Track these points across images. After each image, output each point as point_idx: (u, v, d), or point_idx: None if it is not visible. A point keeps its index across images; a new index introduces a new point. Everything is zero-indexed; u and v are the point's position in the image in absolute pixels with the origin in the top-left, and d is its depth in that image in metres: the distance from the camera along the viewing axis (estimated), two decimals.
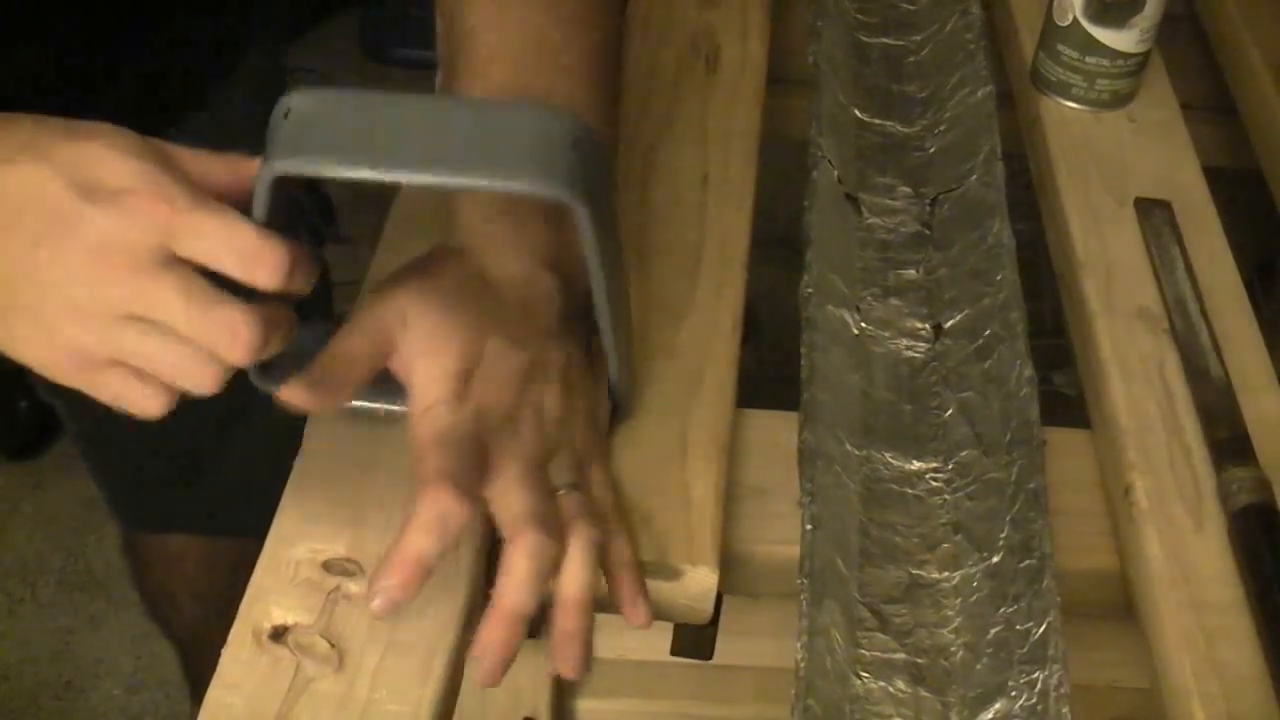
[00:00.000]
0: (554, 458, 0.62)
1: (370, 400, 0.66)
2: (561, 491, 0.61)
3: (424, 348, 0.59)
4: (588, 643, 0.60)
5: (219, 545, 1.12)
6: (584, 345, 0.66)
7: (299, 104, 0.54)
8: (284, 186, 0.54)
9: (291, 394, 0.58)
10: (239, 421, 0.97)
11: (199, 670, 1.31)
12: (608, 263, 0.58)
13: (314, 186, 0.92)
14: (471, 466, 0.57)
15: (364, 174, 0.53)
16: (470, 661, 0.58)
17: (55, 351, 0.53)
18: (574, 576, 0.59)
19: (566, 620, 0.59)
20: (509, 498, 0.58)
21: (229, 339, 0.52)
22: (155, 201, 0.52)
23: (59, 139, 0.53)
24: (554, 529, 0.58)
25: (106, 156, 0.52)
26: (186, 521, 1.10)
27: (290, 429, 0.66)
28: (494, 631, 0.57)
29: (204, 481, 1.04)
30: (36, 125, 0.54)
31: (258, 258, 0.52)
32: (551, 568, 0.58)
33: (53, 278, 0.52)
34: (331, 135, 0.53)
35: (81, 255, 0.51)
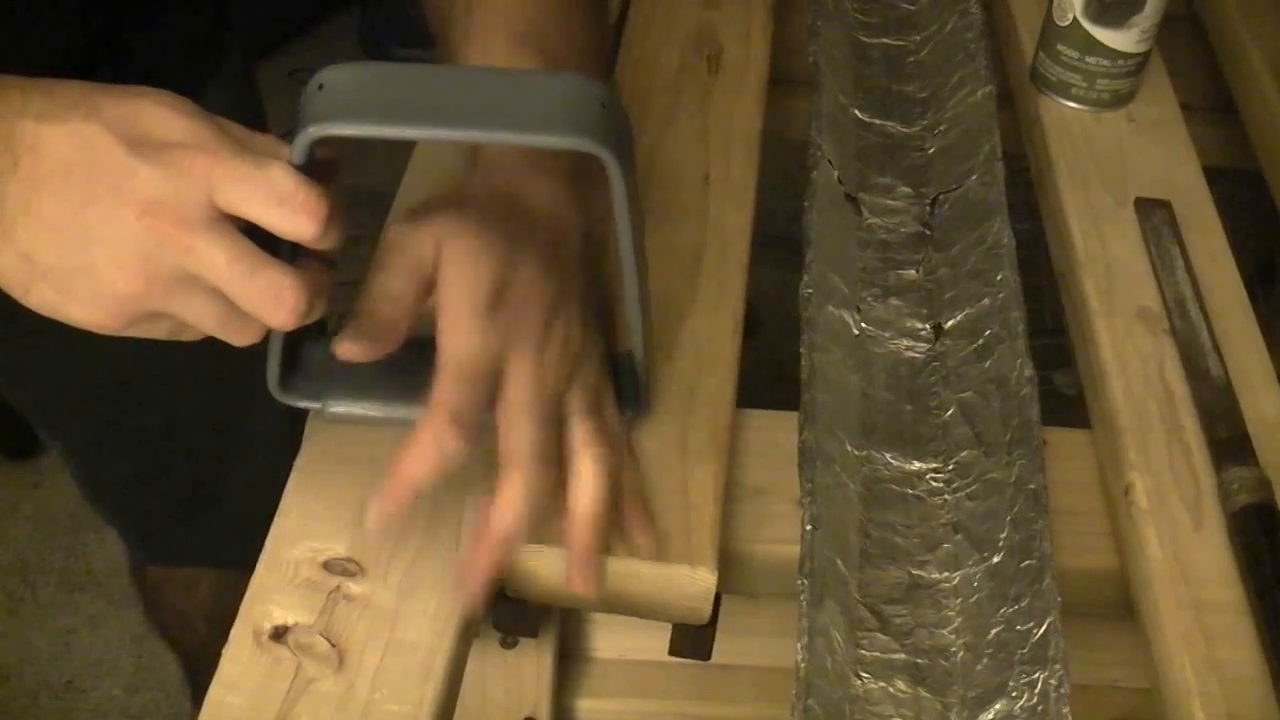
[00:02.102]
0: (570, 388, 0.62)
1: (366, 407, 0.65)
2: (576, 418, 0.62)
3: (457, 267, 0.59)
4: (602, 561, 0.61)
5: (233, 573, 1.11)
6: (599, 295, 0.67)
7: (331, 76, 0.55)
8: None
9: (348, 349, 0.59)
10: (237, 452, 0.97)
11: (202, 676, 1.31)
12: (634, 220, 0.59)
13: None
14: (481, 401, 0.58)
15: (402, 131, 0.55)
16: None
17: (104, 307, 0.54)
18: (587, 490, 0.60)
19: (582, 535, 0.61)
20: (517, 429, 0.59)
21: (274, 302, 0.53)
22: (201, 154, 0.52)
23: (107, 98, 0.53)
24: (553, 463, 0.60)
25: (155, 112, 0.53)
26: (197, 554, 1.09)
27: (291, 454, 0.67)
28: (480, 553, 0.58)
29: (209, 514, 1.03)
30: (84, 86, 0.54)
31: (297, 204, 0.52)
32: (546, 500, 0.59)
33: (103, 234, 0.52)
34: (367, 99, 0.54)
35: (131, 211, 0.52)
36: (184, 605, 1.19)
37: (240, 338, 0.55)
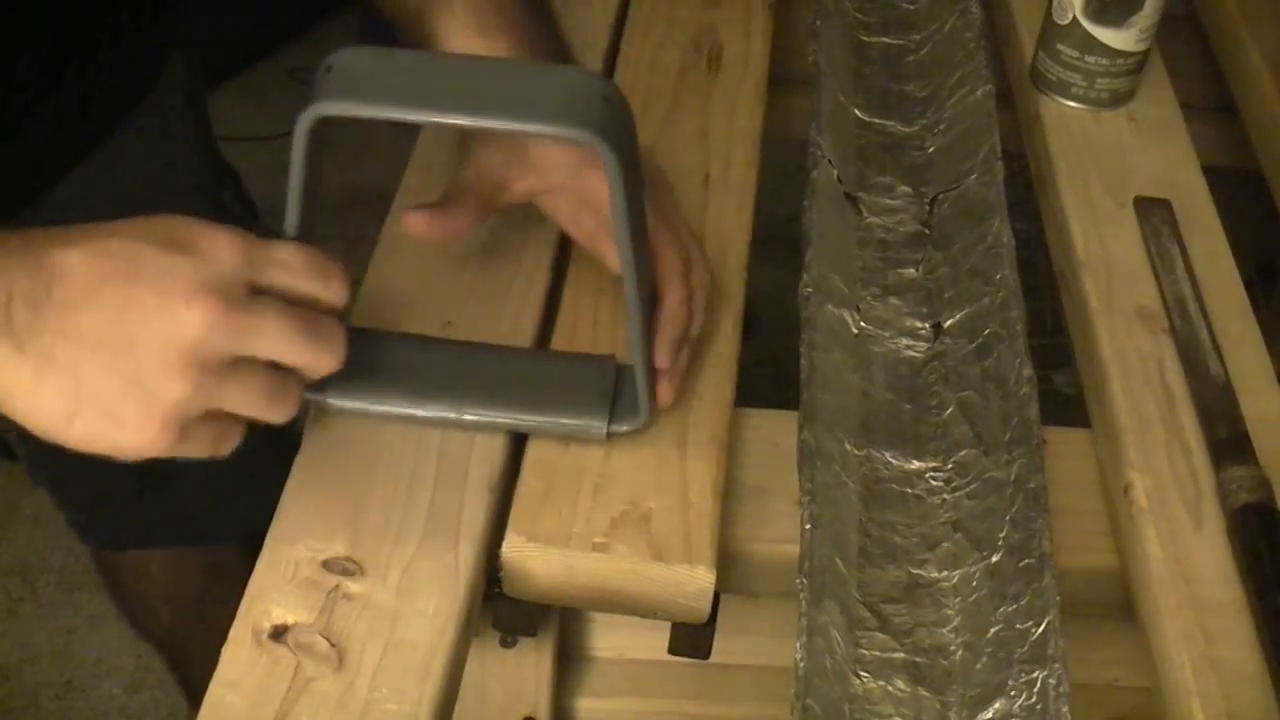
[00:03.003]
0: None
1: (366, 401, 0.66)
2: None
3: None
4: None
5: (186, 551, 1.12)
6: None
7: (340, 59, 0.56)
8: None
9: (415, 221, 0.67)
10: None
11: (184, 672, 1.31)
12: (632, 211, 0.59)
13: (243, 196, 0.93)
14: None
15: (404, 114, 0.55)
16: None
17: (155, 417, 0.53)
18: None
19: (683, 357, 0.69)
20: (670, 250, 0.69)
21: (330, 346, 0.56)
22: (232, 239, 0.54)
23: (118, 222, 0.54)
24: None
25: (169, 221, 0.54)
26: (150, 536, 1.09)
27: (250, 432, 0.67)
28: (665, 357, 0.67)
29: (164, 495, 1.02)
30: (92, 223, 0.55)
31: (330, 273, 0.56)
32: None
33: (148, 334, 0.52)
34: (374, 82, 0.55)
35: (179, 301, 0.52)
36: (140, 589, 1.19)
37: (283, 412, 0.56)
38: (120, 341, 0.52)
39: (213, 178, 0.93)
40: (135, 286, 0.52)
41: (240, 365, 0.54)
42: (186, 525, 0.93)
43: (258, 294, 0.54)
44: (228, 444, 0.56)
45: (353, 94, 0.55)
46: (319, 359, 0.56)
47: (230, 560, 0.67)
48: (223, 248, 0.53)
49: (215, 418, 0.55)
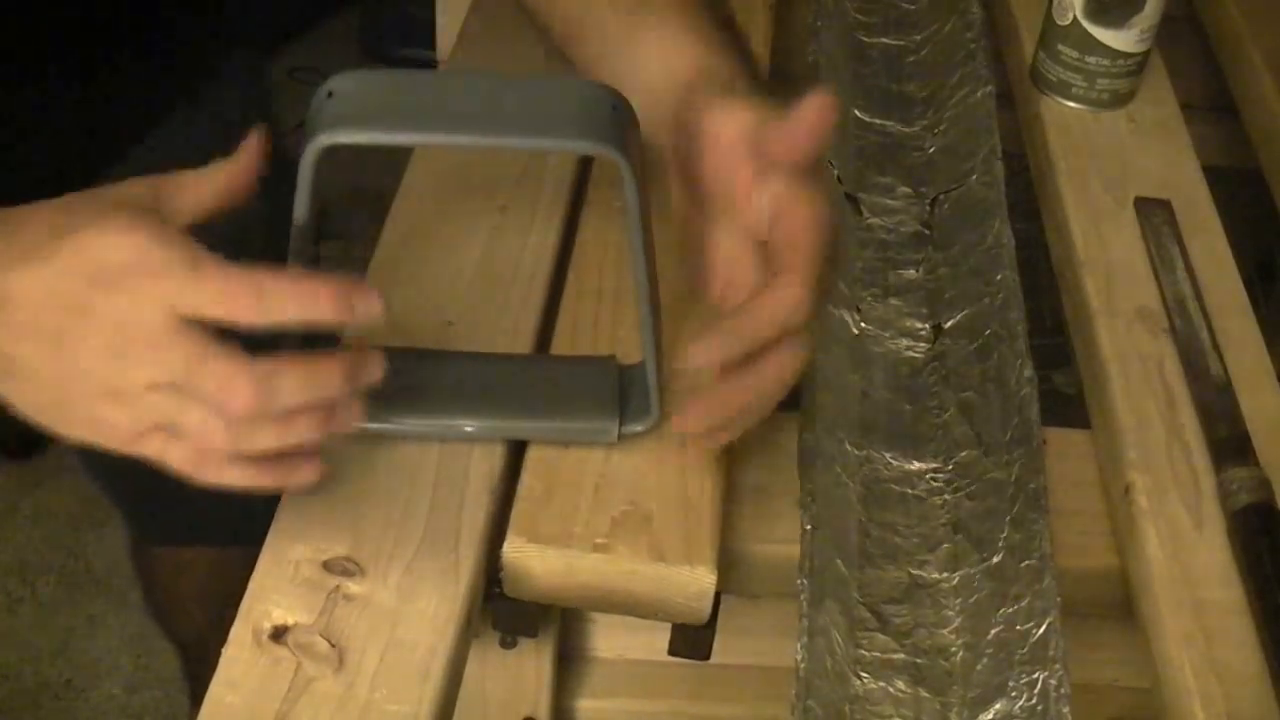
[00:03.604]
0: None
1: (375, 420, 0.65)
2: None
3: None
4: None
5: (230, 552, 1.12)
6: None
7: (340, 84, 0.55)
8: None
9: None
10: None
11: (200, 671, 1.31)
12: (645, 225, 0.59)
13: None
14: None
15: (411, 138, 0.55)
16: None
17: (101, 433, 0.57)
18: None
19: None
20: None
21: (223, 392, 0.54)
22: (155, 277, 0.53)
23: (68, 234, 0.54)
24: None
25: (103, 242, 0.54)
26: (200, 533, 1.10)
27: None
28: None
29: (215, 493, 1.03)
30: (48, 216, 0.56)
31: (263, 299, 0.53)
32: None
33: (79, 369, 0.55)
34: (377, 107, 0.54)
35: (101, 341, 0.54)
36: (178, 588, 1.20)
37: (222, 441, 0.56)
38: (54, 374, 0.56)
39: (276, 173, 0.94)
40: (68, 325, 0.54)
41: (172, 391, 0.55)
42: (236, 524, 0.93)
43: (185, 326, 0.54)
44: (182, 463, 0.57)
45: (359, 121, 0.54)
46: (218, 397, 0.55)
47: None
48: (145, 284, 0.53)
49: (162, 430, 0.56)
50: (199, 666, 1.29)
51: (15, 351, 0.55)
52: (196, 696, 1.16)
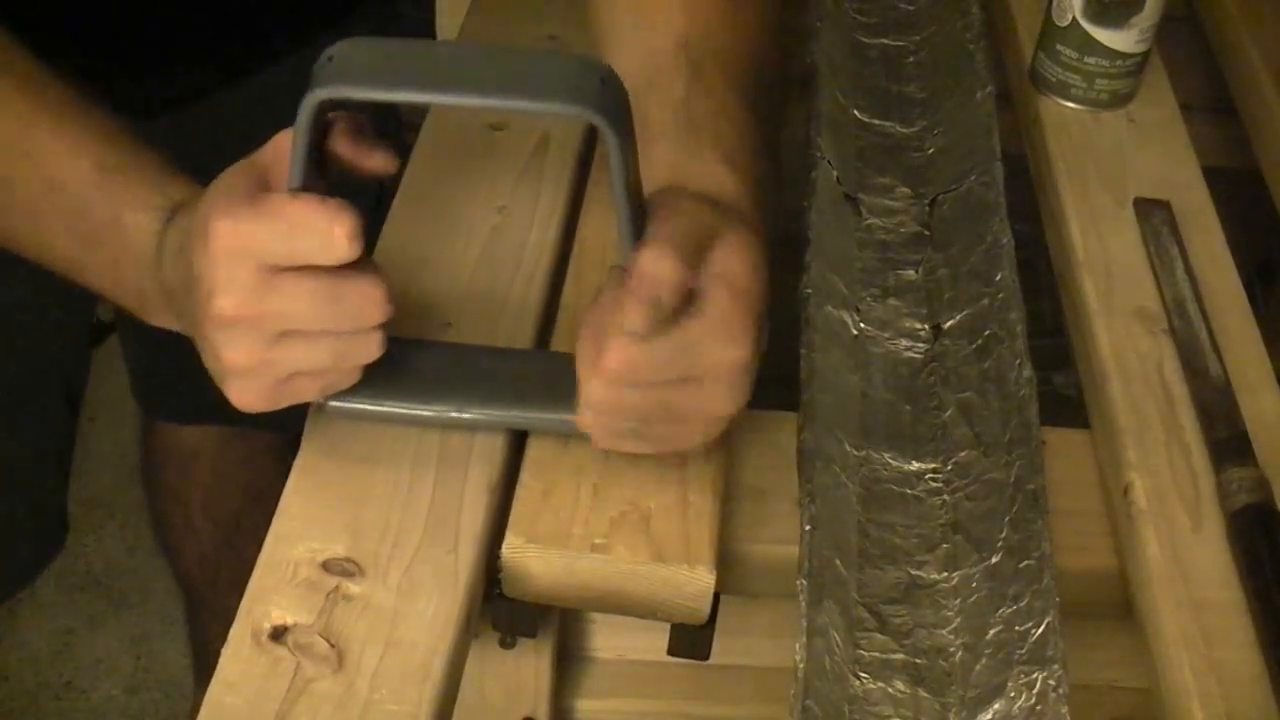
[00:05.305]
0: None
1: (366, 401, 0.65)
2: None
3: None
4: None
5: (231, 446, 1.18)
6: None
7: (340, 49, 0.57)
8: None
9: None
10: None
11: (199, 620, 1.31)
12: (630, 189, 0.60)
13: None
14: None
15: (406, 96, 0.57)
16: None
17: (247, 392, 0.61)
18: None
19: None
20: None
21: (371, 306, 0.59)
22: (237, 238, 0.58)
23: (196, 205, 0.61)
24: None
25: (205, 228, 0.59)
26: (208, 411, 1.13)
27: None
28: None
29: None
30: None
31: (330, 233, 0.57)
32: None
33: (208, 338, 0.60)
34: (374, 67, 0.57)
35: (212, 315, 0.59)
36: (187, 492, 1.22)
37: (358, 357, 0.61)
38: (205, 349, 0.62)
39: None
40: (191, 301, 0.60)
41: (292, 335, 0.59)
42: None
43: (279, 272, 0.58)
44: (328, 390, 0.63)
45: (353, 78, 0.56)
46: (359, 316, 0.59)
47: (269, 482, 0.70)
48: (224, 250, 0.58)
49: (299, 374, 0.61)
50: (200, 609, 1.29)
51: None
52: (200, 666, 1.17)
